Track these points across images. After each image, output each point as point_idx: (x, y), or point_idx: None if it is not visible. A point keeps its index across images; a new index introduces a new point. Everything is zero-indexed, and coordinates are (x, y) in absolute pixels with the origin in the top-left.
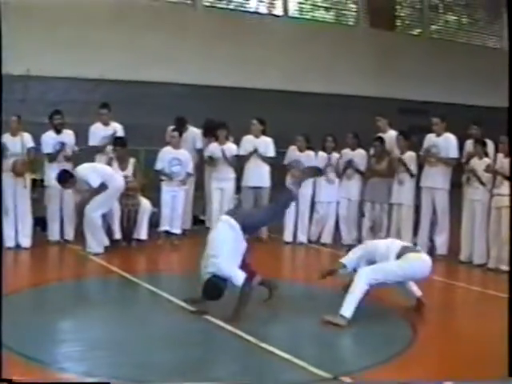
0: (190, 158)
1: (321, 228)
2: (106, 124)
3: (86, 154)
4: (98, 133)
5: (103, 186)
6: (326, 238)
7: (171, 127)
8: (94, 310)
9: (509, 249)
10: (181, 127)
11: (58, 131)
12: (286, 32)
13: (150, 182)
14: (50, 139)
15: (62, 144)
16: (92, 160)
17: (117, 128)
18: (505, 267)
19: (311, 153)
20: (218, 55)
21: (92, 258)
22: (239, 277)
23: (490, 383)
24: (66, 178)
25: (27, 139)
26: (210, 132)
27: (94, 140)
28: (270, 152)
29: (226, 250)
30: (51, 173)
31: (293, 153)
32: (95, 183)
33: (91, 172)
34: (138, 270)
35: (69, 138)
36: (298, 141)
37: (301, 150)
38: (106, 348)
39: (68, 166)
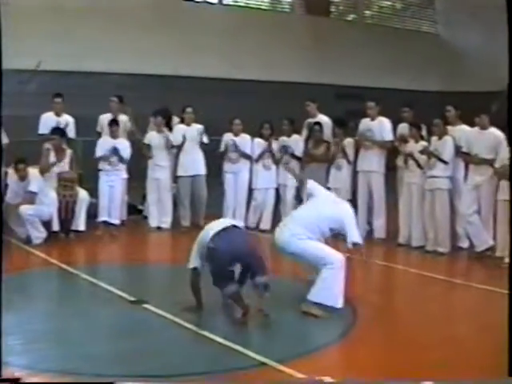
0: (129, 147)
1: (259, 215)
2: (58, 114)
3: (27, 144)
4: (49, 122)
5: (33, 195)
6: (265, 224)
7: (104, 116)
8: (34, 303)
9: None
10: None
11: None
12: (221, 19)
13: (87, 173)
14: None
15: None
16: (37, 150)
17: (68, 119)
18: (442, 249)
19: (246, 136)
20: (154, 43)
21: (30, 250)
22: None
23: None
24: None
25: None
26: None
27: (44, 129)
28: (204, 139)
29: None
30: None
31: (228, 138)
32: (34, 188)
33: (39, 179)
34: (76, 262)
35: None
36: (234, 124)
37: (236, 134)
38: (48, 340)
39: None
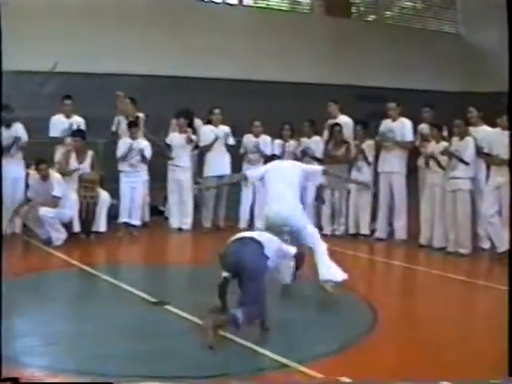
0: (149, 147)
1: None
2: (67, 116)
3: (44, 146)
4: (60, 124)
5: (56, 199)
6: None
7: (120, 117)
8: (55, 304)
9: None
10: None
11: (8, 126)
12: (241, 21)
13: (108, 174)
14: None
15: (15, 138)
16: (51, 152)
17: (78, 121)
18: (463, 250)
19: (267, 138)
20: (173, 45)
21: (50, 251)
22: None
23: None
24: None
25: None
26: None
27: (54, 131)
28: (231, 140)
29: None
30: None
31: (248, 139)
32: (58, 192)
33: (62, 183)
34: (97, 263)
35: (20, 131)
36: (255, 126)
37: (256, 136)
38: (68, 341)
39: (20, 157)
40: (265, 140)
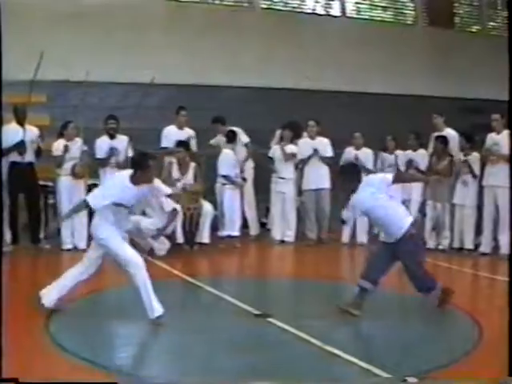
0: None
1: None
2: (180, 127)
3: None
4: (172, 136)
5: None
6: None
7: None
8: None
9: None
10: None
11: (112, 136)
12: (343, 32)
13: (211, 186)
14: (103, 144)
15: (114, 149)
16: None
17: (190, 133)
18: None
19: (368, 150)
20: (277, 57)
21: (154, 262)
22: None
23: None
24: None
25: (81, 144)
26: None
27: (167, 142)
28: (329, 152)
29: None
30: (104, 178)
31: (349, 151)
32: (168, 208)
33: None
34: (200, 274)
35: (122, 143)
36: (355, 138)
37: (357, 148)
38: (171, 352)
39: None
40: (365, 152)
